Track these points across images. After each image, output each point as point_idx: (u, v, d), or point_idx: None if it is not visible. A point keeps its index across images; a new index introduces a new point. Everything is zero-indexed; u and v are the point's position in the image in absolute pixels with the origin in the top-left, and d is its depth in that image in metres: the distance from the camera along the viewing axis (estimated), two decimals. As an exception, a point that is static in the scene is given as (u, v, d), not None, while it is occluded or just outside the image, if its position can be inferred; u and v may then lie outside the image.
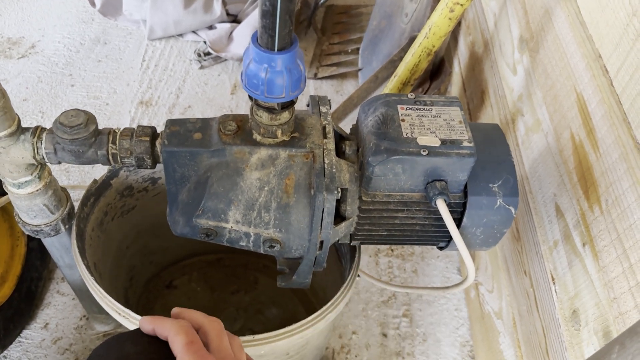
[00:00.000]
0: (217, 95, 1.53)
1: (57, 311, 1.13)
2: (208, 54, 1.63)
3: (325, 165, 0.65)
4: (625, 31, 0.61)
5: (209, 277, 1.16)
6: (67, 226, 0.79)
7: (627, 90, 0.60)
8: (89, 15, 1.78)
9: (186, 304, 1.12)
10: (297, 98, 0.62)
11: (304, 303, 1.12)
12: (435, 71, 1.16)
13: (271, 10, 0.51)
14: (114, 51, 1.66)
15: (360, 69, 1.57)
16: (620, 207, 0.58)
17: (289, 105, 0.62)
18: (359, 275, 0.83)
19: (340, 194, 0.66)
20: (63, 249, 0.84)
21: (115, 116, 1.48)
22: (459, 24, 1.31)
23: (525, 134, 0.87)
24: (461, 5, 0.77)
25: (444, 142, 0.65)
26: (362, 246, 1.07)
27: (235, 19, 1.69)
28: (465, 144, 0.64)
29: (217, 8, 1.64)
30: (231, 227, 0.67)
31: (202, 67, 1.63)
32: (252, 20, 1.61)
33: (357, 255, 0.81)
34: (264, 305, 1.12)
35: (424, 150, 0.64)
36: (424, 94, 1.20)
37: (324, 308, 0.74)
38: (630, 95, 0.59)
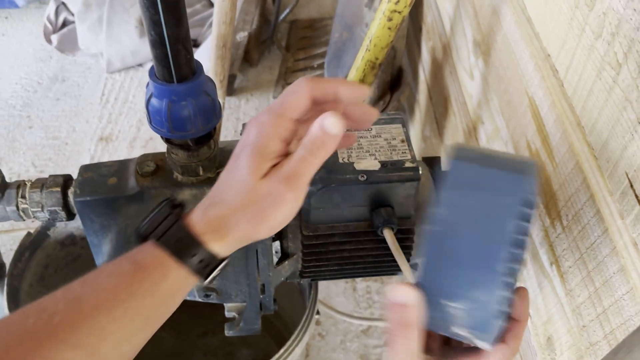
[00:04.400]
0: (181, 124, 1.47)
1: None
2: (170, 82, 1.58)
3: (256, 201, 0.58)
4: (569, 26, 0.55)
5: (174, 319, 1.07)
6: (-4, 287, 0.73)
7: (577, 91, 0.54)
8: (47, 53, 1.73)
9: (150, 352, 1.05)
10: (214, 131, 0.56)
11: (277, 340, 1.05)
12: (395, 82, 1.11)
13: (159, 39, 0.46)
14: (73, 88, 1.61)
15: (326, 84, 1.52)
16: (581, 223, 0.52)
17: (205, 140, 0.56)
18: (318, 313, 0.76)
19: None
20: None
21: (75, 156, 1.42)
22: (419, 29, 1.26)
23: (486, 143, 0.81)
24: (399, 12, 0.71)
25: (384, 164, 0.58)
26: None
27: (194, 43, 1.64)
28: (408, 164, 0.58)
29: (176, 34, 1.59)
30: (159, 278, 0.60)
31: (164, 96, 1.57)
32: (209, 45, 1.55)
33: (313, 292, 0.75)
34: (234, 346, 1.05)
35: (362, 176, 0.57)
36: (386, 107, 1.14)
37: (277, 355, 0.68)
38: (581, 96, 0.53)
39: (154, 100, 0.51)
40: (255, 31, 1.59)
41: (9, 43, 1.78)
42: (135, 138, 1.44)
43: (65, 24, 1.73)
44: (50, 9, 1.72)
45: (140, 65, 1.63)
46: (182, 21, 0.45)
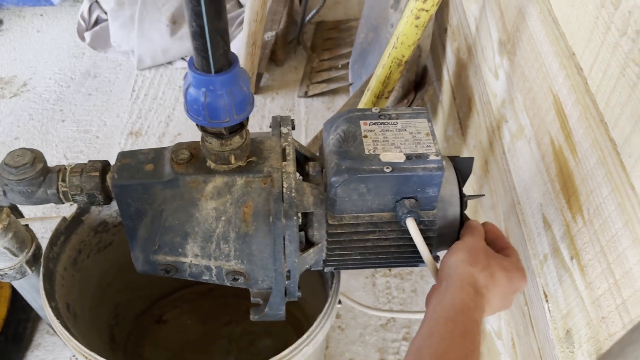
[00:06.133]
0: (208, 121, 1.50)
1: (47, 352, 1.11)
2: (197, 79, 1.62)
3: (284, 189, 0.61)
4: (595, 24, 0.56)
5: (200, 308, 1.12)
6: (33, 268, 0.77)
7: (601, 88, 0.55)
8: (80, 50, 1.78)
9: (177, 338, 1.08)
10: (247, 120, 0.59)
11: (298, 331, 1.07)
12: (419, 81, 1.12)
13: (199, 31, 0.48)
14: (104, 83, 1.66)
15: (351, 84, 1.54)
16: (602, 216, 0.53)
17: (238, 129, 0.59)
18: (339, 303, 0.78)
19: (301, 219, 0.62)
20: (34, 291, 0.82)
21: (106, 149, 1.47)
22: (445, 30, 1.27)
23: (510, 141, 0.82)
24: (426, 11, 0.73)
25: (409, 157, 0.60)
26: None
27: (223, 43, 1.67)
28: (432, 157, 0.60)
29: (204, 33, 1.63)
30: (190, 261, 0.63)
31: (192, 93, 1.61)
32: (238, 43, 1.59)
33: (335, 281, 0.77)
34: (257, 336, 1.07)
35: (387, 167, 0.59)
36: (409, 105, 1.16)
37: (299, 341, 0.70)
38: (604, 93, 0.54)
39: (191, 90, 0.53)
40: (282, 31, 1.62)
41: (43, 39, 1.83)
42: (164, 133, 1.48)
43: (97, 21, 1.78)
44: (84, 6, 1.77)
45: (170, 63, 1.68)
46: (222, 14, 0.48)
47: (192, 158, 0.63)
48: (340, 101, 1.57)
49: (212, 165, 0.61)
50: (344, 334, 1.09)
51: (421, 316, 0.71)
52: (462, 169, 0.66)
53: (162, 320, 1.11)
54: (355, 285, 1.16)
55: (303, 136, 1.50)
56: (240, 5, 1.75)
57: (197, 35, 0.49)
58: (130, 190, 0.62)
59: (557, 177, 0.64)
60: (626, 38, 0.50)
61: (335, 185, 0.60)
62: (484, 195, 0.71)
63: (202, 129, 0.58)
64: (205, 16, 0.47)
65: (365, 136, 0.63)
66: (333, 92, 1.59)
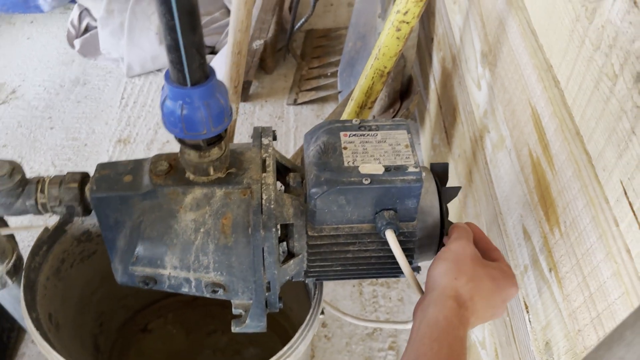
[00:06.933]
0: (197, 128, 1.50)
1: (32, 362, 1.10)
2: (187, 87, 1.62)
3: (263, 201, 0.61)
4: (570, 38, 0.57)
5: (185, 318, 1.11)
6: (14, 278, 0.76)
7: (577, 101, 0.55)
8: (70, 57, 1.78)
9: (162, 348, 1.08)
10: (225, 132, 0.59)
11: (284, 340, 1.06)
12: (405, 90, 1.12)
13: (174, 44, 0.48)
14: (94, 91, 1.66)
15: (340, 92, 1.54)
16: (577, 229, 0.53)
17: (216, 140, 0.58)
18: (322, 313, 0.78)
19: (280, 231, 0.62)
20: (15, 302, 0.81)
21: (94, 156, 1.46)
22: (431, 40, 1.28)
23: (492, 152, 0.82)
24: (407, 23, 0.73)
25: (387, 169, 0.60)
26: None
27: (212, 51, 1.67)
28: (411, 169, 0.60)
29: (194, 41, 1.63)
30: (169, 273, 0.63)
31: (181, 101, 1.61)
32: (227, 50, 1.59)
33: (317, 292, 0.77)
34: (242, 345, 1.07)
35: (366, 179, 0.59)
36: (395, 114, 1.16)
37: (280, 353, 0.69)
38: (580, 105, 0.55)
39: (168, 102, 0.53)
40: (272, 39, 1.62)
41: (34, 46, 1.83)
42: (153, 141, 1.47)
43: (87, 29, 1.78)
44: (74, 14, 1.77)
45: (159, 70, 1.68)
46: (196, 28, 0.48)
47: (171, 169, 0.62)
48: (329, 109, 1.57)
49: (191, 176, 0.61)
50: (330, 343, 1.08)
51: (405, 326, 0.71)
52: (439, 174, 0.66)
53: (147, 329, 1.11)
54: (342, 293, 1.16)
55: (292, 144, 1.50)
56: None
57: (172, 49, 0.49)
58: (109, 202, 0.62)
59: (536, 188, 0.64)
60: (600, 52, 0.51)
61: (314, 196, 0.60)
62: (460, 187, 0.70)
63: (180, 140, 0.58)
64: (179, 30, 0.47)
65: (345, 148, 0.63)
66: (322, 99, 1.59)
